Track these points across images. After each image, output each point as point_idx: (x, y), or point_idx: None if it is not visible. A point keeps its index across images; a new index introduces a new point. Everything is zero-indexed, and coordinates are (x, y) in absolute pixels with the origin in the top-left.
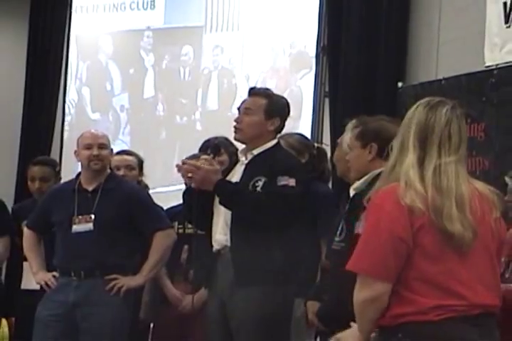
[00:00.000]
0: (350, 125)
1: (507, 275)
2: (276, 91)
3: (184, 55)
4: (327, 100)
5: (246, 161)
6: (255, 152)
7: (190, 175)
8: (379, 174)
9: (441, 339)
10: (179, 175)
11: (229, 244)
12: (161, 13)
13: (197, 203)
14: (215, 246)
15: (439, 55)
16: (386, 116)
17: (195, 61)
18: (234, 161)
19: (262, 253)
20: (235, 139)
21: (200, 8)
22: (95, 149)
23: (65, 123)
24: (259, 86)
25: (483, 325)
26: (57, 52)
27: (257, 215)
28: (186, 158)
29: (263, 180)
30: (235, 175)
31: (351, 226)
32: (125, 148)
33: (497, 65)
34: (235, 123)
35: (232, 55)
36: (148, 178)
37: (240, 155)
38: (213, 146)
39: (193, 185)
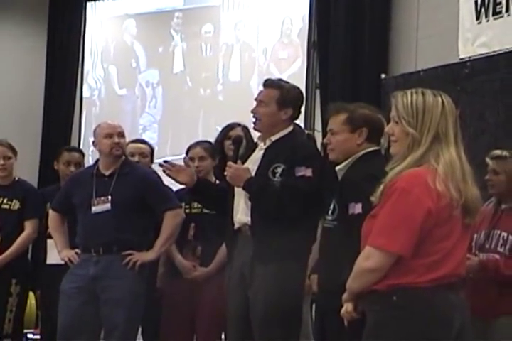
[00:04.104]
0: (332, 111)
1: (487, 246)
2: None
3: (205, 33)
4: (318, 91)
5: (265, 147)
6: (273, 138)
7: (225, 173)
8: (361, 156)
9: (431, 301)
10: None
11: (249, 222)
12: None
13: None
14: (236, 225)
15: (418, 49)
16: (362, 103)
17: (214, 37)
18: (251, 147)
19: (279, 234)
20: (254, 129)
21: None
22: (116, 137)
23: (94, 98)
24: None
25: (457, 288)
26: (74, 38)
27: (279, 208)
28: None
29: (282, 166)
30: (254, 160)
31: (345, 207)
32: (152, 120)
33: (470, 57)
34: (252, 115)
35: (248, 30)
36: (174, 145)
37: (258, 141)
38: (236, 138)
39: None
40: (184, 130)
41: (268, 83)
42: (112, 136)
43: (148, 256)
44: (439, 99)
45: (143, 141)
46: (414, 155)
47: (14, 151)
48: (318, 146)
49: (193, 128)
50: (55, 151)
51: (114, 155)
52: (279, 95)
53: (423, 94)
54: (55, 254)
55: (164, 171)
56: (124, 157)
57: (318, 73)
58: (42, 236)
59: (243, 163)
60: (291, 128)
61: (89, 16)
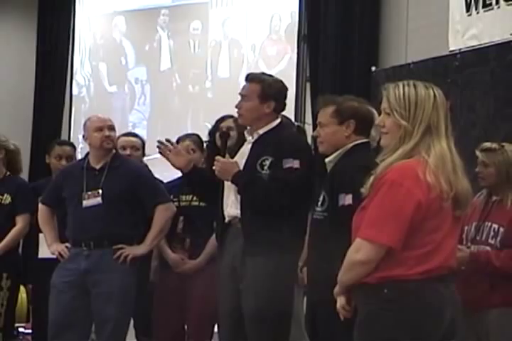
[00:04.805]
0: (320, 103)
1: (478, 238)
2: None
3: (193, 29)
4: (308, 84)
5: (252, 140)
6: (261, 131)
7: (214, 167)
8: (350, 148)
9: (421, 293)
10: None
11: (239, 215)
12: None
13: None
14: (227, 218)
15: (408, 41)
16: (351, 96)
17: (203, 34)
18: (241, 140)
19: (269, 227)
20: (240, 123)
21: None
22: (106, 131)
23: (83, 95)
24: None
25: (448, 281)
26: (64, 35)
27: (267, 201)
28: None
29: (270, 159)
30: (242, 154)
31: (334, 198)
32: (141, 117)
33: (460, 49)
34: (236, 110)
35: (237, 27)
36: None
37: (246, 135)
38: (223, 132)
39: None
40: (173, 127)
41: (250, 77)
42: (102, 130)
43: (140, 249)
44: (431, 91)
45: (134, 135)
46: (406, 147)
47: None
48: (309, 139)
49: (182, 125)
50: (45, 148)
51: (105, 149)
52: (261, 89)
53: (415, 86)
54: (47, 248)
55: (160, 147)
56: (114, 150)
57: (309, 66)
58: (34, 230)
59: (233, 156)
60: (278, 120)
61: (78, 13)
